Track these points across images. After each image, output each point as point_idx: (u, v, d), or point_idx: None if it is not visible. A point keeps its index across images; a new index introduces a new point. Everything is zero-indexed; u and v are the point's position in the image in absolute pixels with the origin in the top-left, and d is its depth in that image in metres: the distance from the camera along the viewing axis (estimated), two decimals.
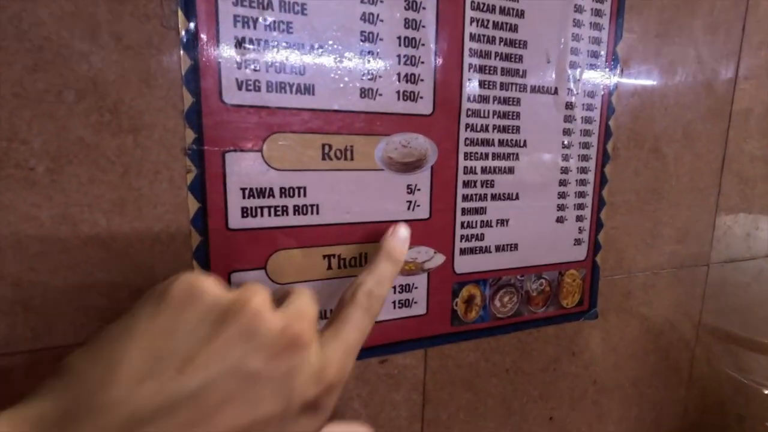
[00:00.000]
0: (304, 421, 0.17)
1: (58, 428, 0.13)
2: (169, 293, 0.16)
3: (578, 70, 0.33)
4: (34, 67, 0.20)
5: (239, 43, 0.24)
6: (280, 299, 0.19)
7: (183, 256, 0.24)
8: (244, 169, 0.25)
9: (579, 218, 0.36)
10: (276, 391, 0.16)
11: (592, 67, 0.34)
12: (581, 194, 0.35)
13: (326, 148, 0.26)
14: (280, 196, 0.26)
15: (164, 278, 0.22)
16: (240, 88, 0.24)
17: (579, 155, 0.35)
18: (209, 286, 0.17)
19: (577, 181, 0.35)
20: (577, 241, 0.36)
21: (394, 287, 0.30)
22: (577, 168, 0.35)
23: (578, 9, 0.32)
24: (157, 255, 0.24)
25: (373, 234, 0.28)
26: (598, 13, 0.33)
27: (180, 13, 0.22)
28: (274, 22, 0.24)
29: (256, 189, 0.25)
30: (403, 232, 0.26)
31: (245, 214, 0.25)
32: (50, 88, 0.21)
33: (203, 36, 0.23)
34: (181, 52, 0.23)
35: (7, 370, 0.22)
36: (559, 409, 0.39)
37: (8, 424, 0.13)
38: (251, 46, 0.24)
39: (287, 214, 0.26)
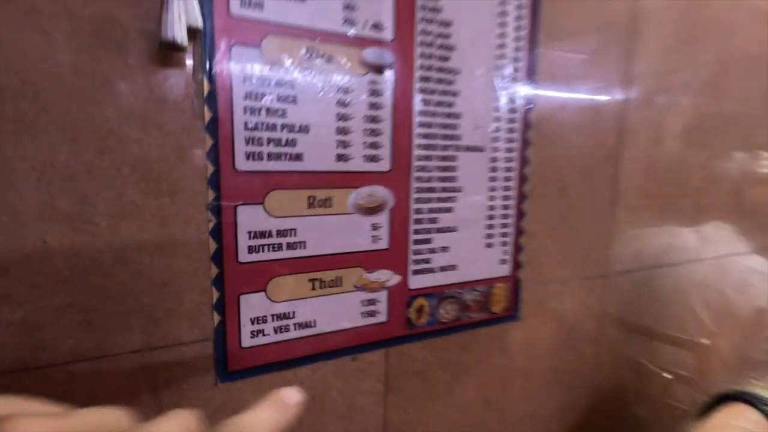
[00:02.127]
0: None
1: None
2: None
3: (500, 133, 0.44)
4: (101, 151, 0.28)
5: (247, 126, 0.32)
6: None
7: (204, 284, 0.32)
8: (251, 217, 0.33)
9: (503, 243, 0.47)
10: None
11: (510, 130, 0.45)
12: (505, 225, 0.46)
13: (311, 199, 0.35)
14: (277, 237, 0.34)
15: (190, 301, 0.30)
16: (248, 159, 0.32)
17: (502, 196, 0.45)
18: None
19: (501, 215, 0.46)
20: (503, 261, 0.47)
21: (364, 301, 0.39)
22: (501, 206, 0.46)
23: (498, 88, 0.43)
24: (185, 283, 0.32)
25: (346, 261, 0.38)
26: (514, 79, 0.44)
27: (205, 106, 0.31)
28: (273, 109, 0.33)
29: (259, 232, 0.34)
30: (293, 393, 0.20)
31: (251, 251, 0.34)
32: (112, 166, 0.28)
33: (222, 122, 0.31)
34: (206, 134, 0.31)
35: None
36: (491, 393, 0.49)
37: None
38: (257, 128, 0.32)
39: (282, 250, 0.35)
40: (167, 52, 0.29)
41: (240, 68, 0.31)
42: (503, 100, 0.44)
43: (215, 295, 0.33)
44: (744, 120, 0.66)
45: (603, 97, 0.51)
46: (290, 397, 0.20)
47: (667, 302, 0.64)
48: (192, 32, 0.29)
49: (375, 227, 0.39)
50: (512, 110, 0.44)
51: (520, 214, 0.47)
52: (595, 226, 0.53)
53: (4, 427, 0.14)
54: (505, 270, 0.47)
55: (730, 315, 0.73)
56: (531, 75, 0.45)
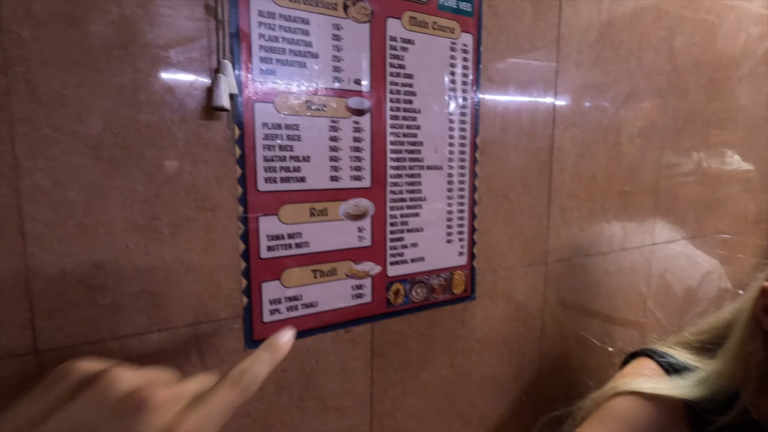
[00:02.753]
0: None
1: None
2: (48, 375, 0.22)
3: (454, 155, 0.57)
4: (166, 180, 0.40)
5: (266, 159, 0.44)
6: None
7: (236, 275, 0.44)
8: (268, 225, 0.45)
9: (461, 239, 0.60)
10: None
11: (462, 152, 0.58)
12: (461, 225, 0.59)
13: (312, 210, 0.48)
14: (287, 239, 0.47)
15: (226, 287, 0.42)
16: (266, 182, 0.45)
17: (458, 203, 0.59)
18: (80, 365, 0.22)
19: (458, 218, 0.59)
20: (461, 253, 0.60)
21: (354, 286, 0.52)
22: (457, 210, 0.59)
23: (451, 121, 0.56)
24: (222, 275, 0.43)
25: (339, 256, 0.50)
26: (463, 122, 0.57)
27: (236, 146, 0.43)
28: (283, 145, 0.45)
29: (275, 235, 0.46)
30: (288, 333, 0.29)
31: (269, 250, 0.46)
32: (174, 191, 0.40)
33: (248, 156, 0.43)
34: (236, 166, 0.43)
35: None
36: (456, 359, 0.62)
37: None
38: (272, 160, 0.45)
39: (292, 248, 0.47)
40: (212, 111, 0.41)
41: (260, 118, 0.43)
42: (455, 129, 0.57)
43: (243, 283, 0.44)
44: (656, 132, 0.82)
45: (537, 121, 0.65)
46: (281, 337, 0.28)
47: (599, 284, 0.79)
48: (230, 96, 0.41)
49: (360, 230, 0.51)
50: (462, 137, 0.58)
51: (473, 217, 0.60)
52: (535, 224, 0.67)
53: (110, 375, 0.21)
54: (462, 260, 0.60)
55: (658, 293, 0.89)
56: (476, 109, 0.58)
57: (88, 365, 0.23)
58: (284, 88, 0.44)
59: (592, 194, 0.74)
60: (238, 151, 0.43)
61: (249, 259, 0.45)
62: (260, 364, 0.26)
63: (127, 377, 0.21)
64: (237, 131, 0.42)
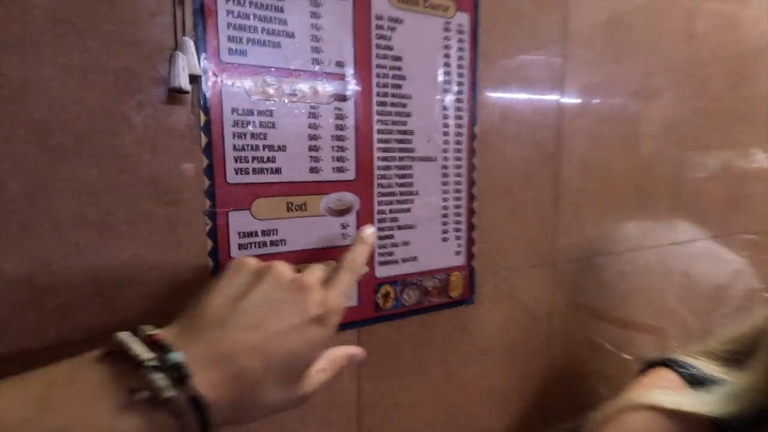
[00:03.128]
0: (316, 330, 0.31)
1: (189, 329, 0.28)
2: (228, 268, 0.33)
3: (449, 145, 0.53)
4: (121, 171, 0.36)
5: (236, 148, 0.40)
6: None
7: (202, 276, 0.40)
8: (240, 221, 0.41)
9: (458, 237, 0.55)
10: (296, 310, 0.30)
11: (458, 142, 0.53)
12: (458, 222, 0.55)
13: (289, 205, 0.43)
14: (261, 236, 0.42)
15: (191, 289, 0.38)
16: (237, 173, 0.41)
17: (454, 197, 0.54)
18: (250, 259, 0.33)
19: (454, 213, 0.54)
20: (458, 252, 0.55)
21: None
22: (454, 206, 0.54)
23: (446, 108, 0.52)
24: (188, 276, 0.39)
25: (321, 255, 0.46)
26: (459, 109, 0.53)
27: (202, 134, 0.39)
28: (256, 133, 0.41)
29: (247, 232, 0.42)
30: (369, 228, 0.41)
31: (241, 248, 0.42)
32: (132, 183, 0.36)
33: (215, 146, 0.39)
34: (202, 155, 0.39)
35: None
36: (454, 369, 0.57)
37: (165, 333, 0.27)
38: (243, 149, 0.41)
39: (266, 246, 0.43)
40: (173, 95, 0.37)
41: (229, 103, 0.39)
42: (450, 118, 0.52)
43: None
44: (676, 124, 0.76)
45: (541, 109, 0.60)
46: (366, 231, 0.41)
47: (612, 286, 0.73)
48: (192, 77, 0.37)
49: (344, 226, 0.47)
50: (458, 125, 0.53)
51: (471, 213, 0.55)
52: (540, 221, 0.62)
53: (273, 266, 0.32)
54: (460, 260, 0.55)
55: (678, 296, 0.82)
56: (473, 95, 0.53)
57: (256, 261, 0.34)
58: (256, 70, 0.40)
59: (605, 189, 0.69)
60: (204, 139, 0.39)
61: (218, 258, 0.41)
62: (361, 254, 0.39)
63: (288, 269, 0.33)
64: (202, 117, 0.39)
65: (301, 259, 0.45)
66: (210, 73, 0.38)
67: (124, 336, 0.25)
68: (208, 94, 0.38)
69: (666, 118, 0.74)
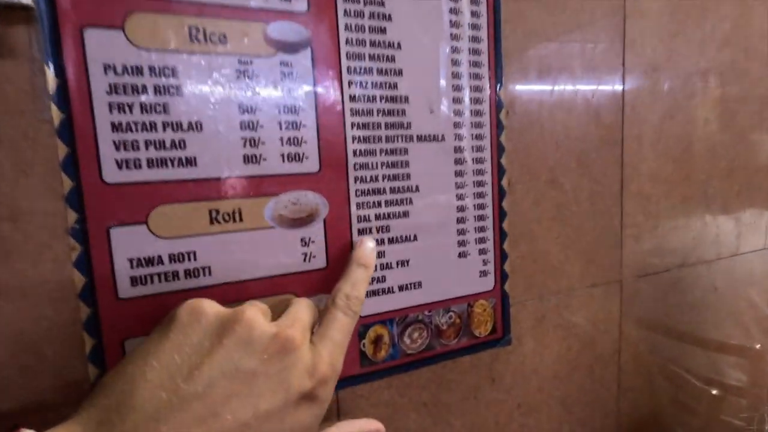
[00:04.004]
0: (303, 411, 0.21)
1: None
2: (175, 317, 0.21)
3: (463, 117, 0.36)
4: None
5: (116, 127, 0.26)
6: (281, 310, 0.24)
7: (72, 330, 0.25)
8: (130, 241, 0.26)
9: (482, 251, 0.38)
10: (274, 387, 0.20)
11: (477, 113, 0.36)
12: (481, 229, 0.38)
13: (213, 213, 0.28)
14: (170, 263, 0.27)
15: (53, 354, 0.23)
16: (120, 168, 0.26)
17: (474, 193, 0.37)
18: (209, 306, 0.21)
19: (475, 217, 0.37)
20: (483, 273, 0.38)
21: None
22: (474, 205, 0.37)
23: (455, 62, 0.35)
24: (43, 331, 0.25)
25: (271, 288, 0.30)
26: (476, 64, 0.36)
27: (53, 106, 0.24)
28: (150, 104, 0.26)
29: (144, 258, 0.27)
30: (368, 242, 0.31)
31: (135, 283, 0.27)
32: None
33: (78, 124, 0.25)
34: (58, 141, 0.24)
35: None
36: None
37: None
38: (128, 129, 0.26)
39: (178, 279, 0.28)
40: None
41: (98, 56, 0.25)
42: (462, 77, 0.36)
43: (90, 343, 0.26)
44: None
45: (594, 63, 0.42)
46: (364, 250, 0.30)
47: (704, 307, 0.54)
48: (24, 15, 0.23)
49: (306, 242, 0.31)
50: (476, 88, 0.36)
51: (500, 215, 0.38)
52: (600, 222, 0.44)
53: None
54: (487, 283, 0.38)
55: None
56: (496, 43, 0.37)
57: (214, 307, 0.22)
58: (143, 2, 0.26)
59: (688, 174, 0.50)
60: (58, 116, 0.24)
61: (97, 303, 0.26)
62: (359, 284, 0.28)
63: (261, 320, 0.21)
64: (53, 79, 0.24)
65: (238, 296, 0.29)
66: (61, 8, 0.24)
67: None
68: (60, 45, 0.24)
69: (762, 85, 0.54)
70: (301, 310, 0.24)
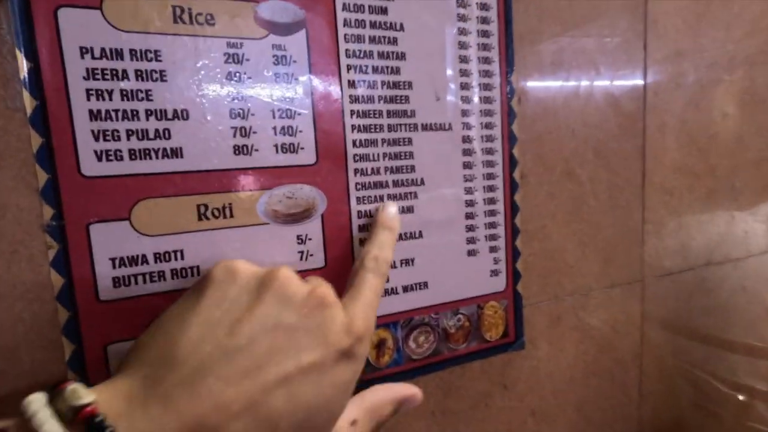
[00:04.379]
0: (342, 368, 0.20)
1: (145, 390, 0.17)
2: (210, 276, 0.20)
3: (472, 104, 0.33)
4: None
5: (95, 116, 0.24)
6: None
7: (50, 334, 0.24)
8: (112, 239, 0.24)
9: (493, 249, 0.35)
10: (313, 342, 0.20)
11: (486, 100, 0.34)
12: (492, 225, 0.35)
13: (202, 209, 0.26)
14: (155, 262, 0.25)
15: (30, 360, 0.22)
16: (100, 159, 0.24)
17: (484, 187, 0.35)
18: (243, 264, 0.21)
19: (485, 212, 0.35)
20: (494, 272, 0.36)
21: None
22: (484, 200, 0.35)
23: (463, 45, 0.33)
24: (20, 336, 0.23)
25: None
26: (485, 47, 0.34)
27: (25, 92, 0.22)
28: (131, 91, 0.24)
29: (127, 258, 0.25)
30: (391, 207, 0.30)
31: (117, 284, 0.25)
32: None
33: (53, 112, 0.23)
34: (31, 130, 0.23)
35: None
36: None
37: (105, 400, 0.16)
38: (108, 117, 0.24)
39: (164, 280, 0.26)
40: None
41: (73, 38, 0.23)
42: (471, 61, 0.33)
43: (69, 349, 0.24)
44: None
45: (614, 46, 0.39)
46: (388, 213, 0.29)
47: (731, 307, 0.50)
48: None
49: (302, 240, 0.29)
50: (485, 73, 0.34)
51: (513, 210, 0.36)
52: (620, 218, 0.41)
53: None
54: (498, 284, 0.36)
55: None
56: (507, 24, 0.34)
57: (249, 265, 0.22)
58: None
59: (713, 166, 0.46)
60: (31, 102, 0.22)
61: (76, 306, 0.24)
62: (386, 247, 0.27)
63: (296, 278, 0.21)
64: (25, 63, 0.22)
65: None
66: None
67: (36, 408, 0.15)
68: (32, 25, 0.22)
69: None
70: (323, 281, 0.23)
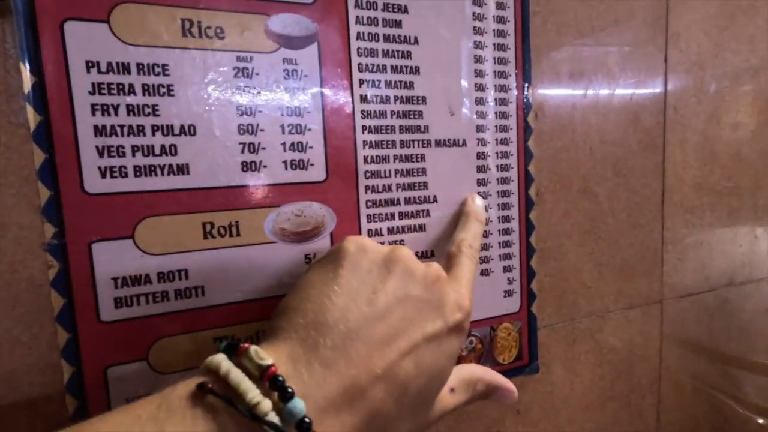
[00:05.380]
0: (454, 339, 0.22)
1: (306, 353, 0.18)
2: (344, 249, 0.22)
3: (487, 120, 0.32)
4: None
5: (100, 131, 0.23)
6: None
7: (49, 356, 0.23)
8: (114, 258, 0.24)
9: (507, 269, 0.34)
10: (435, 313, 0.22)
11: (502, 115, 0.33)
12: (506, 244, 0.34)
13: (208, 227, 0.25)
14: (159, 282, 0.25)
15: (27, 384, 0.21)
16: (104, 176, 0.23)
17: (498, 204, 0.33)
18: (370, 241, 0.23)
19: (499, 231, 0.34)
20: (508, 293, 0.34)
21: None
22: (498, 218, 0.34)
23: (478, 59, 0.32)
24: (17, 359, 0.22)
25: (271, 311, 0.27)
26: (501, 61, 0.33)
27: (29, 107, 0.22)
28: (138, 106, 0.24)
29: (130, 277, 0.24)
30: (479, 199, 0.31)
31: (119, 305, 0.24)
32: None
33: (57, 128, 0.22)
34: (34, 146, 0.22)
35: None
36: None
37: (274, 359, 0.17)
38: (113, 133, 0.23)
39: (168, 300, 0.25)
40: None
41: (79, 52, 0.22)
42: (486, 75, 0.32)
43: (68, 371, 0.23)
44: None
45: (634, 61, 0.38)
46: (476, 204, 0.31)
47: (753, 329, 0.48)
48: None
49: (310, 259, 0.28)
50: (501, 87, 0.33)
51: (528, 228, 0.34)
52: (639, 237, 0.40)
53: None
54: (512, 305, 0.35)
55: None
56: (524, 38, 0.33)
57: (374, 243, 0.23)
58: None
59: (737, 184, 0.45)
60: (35, 118, 0.22)
61: (76, 326, 0.23)
62: (478, 237, 0.29)
63: (413, 256, 0.23)
64: (29, 78, 0.22)
65: (235, 318, 0.26)
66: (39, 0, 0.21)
67: (228, 367, 0.17)
68: (37, 39, 0.22)
69: None
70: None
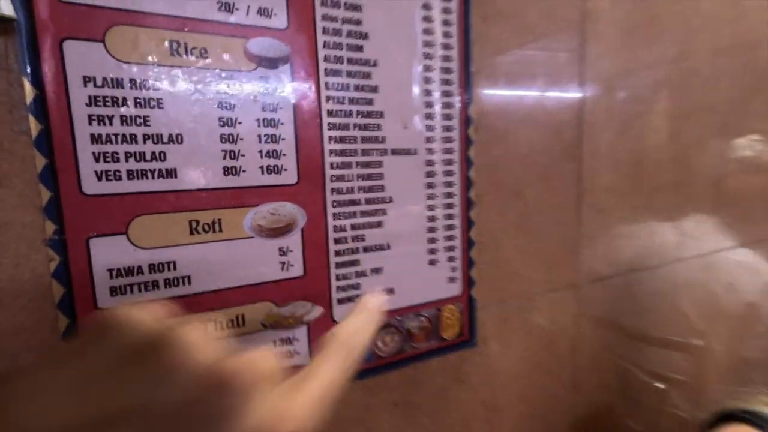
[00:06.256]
0: None
1: None
2: (80, 338, 0.15)
3: (435, 132, 0.38)
4: None
5: (96, 139, 0.26)
6: None
7: (51, 340, 0.25)
8: (110, 251, 0.27)
9: (450, 259, 0.40)
10: None
11: (447, 129, 0.39)
12: (450, 238, 0.40)
13: (193, 224, 0.29)
14: (150, 272, 0.28)
15: (31, 364, 0.24)
16: (100, 179, 0.26)
17: (444, 204, 0.39)
18: (125, 318, 0.14)
19: (444, 226, 0.39)
20: (451, 279, 0.40)
21: (279, 341, 0.33)
22: (444, 215, 0.39)
23: (428, 80, 0.37)
24: (21, 342, 0.25)
25: (248, 296, 0.31)
26: (447, 82, 0.38)
27: (31, 117, 0.24)
28: (131, 116, 0.27)
29: (124, 268, 0.27)
30: (374, 299, 0.22)
31: (114, 293, 0.27)
32: None
33: (57, 136, 0.25)
34: (35, 152, 0.24)
35: None
36: None
37: None
38: (108, 141, 0.26)
39: (158, 288, 0.28)
40: None
41: (77, 68, 0.25)
42: (434, 93, 0.38)
43: None
44: (717, 108, 0.61)
45: (557, 83, 0.45)
46: (374, 301, 0.22)
47: (651, 308, 0.58)
48: (1, 26, 0.23)
49: (284, 252, 0.32)
50: (447, 105, 0.38)
51: (468, 224, 0.41)
52: (559, 231, 0.47)
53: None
54: (454, 289, 0.41)
55: (720, 314, 0.67)
56: (466, 62, 0.39)
57: (138, 320, 0.14)
58: (126, 17, 0.26)
59: (638, 186, 0.54)
60: (36, 127, 0.24)
61: (76, 313, 0.26)
62: (362, 335, 0.20)
63: (204, 348, 0.14)
64: (31, 90, 0.24)
65: (218, 304, 0.30)
66: (40, 21, 0.24)
67: None
68: (39, 56, 0.24)
69: (706, 101, 0.60)
70: (264, 354, 0.16)
